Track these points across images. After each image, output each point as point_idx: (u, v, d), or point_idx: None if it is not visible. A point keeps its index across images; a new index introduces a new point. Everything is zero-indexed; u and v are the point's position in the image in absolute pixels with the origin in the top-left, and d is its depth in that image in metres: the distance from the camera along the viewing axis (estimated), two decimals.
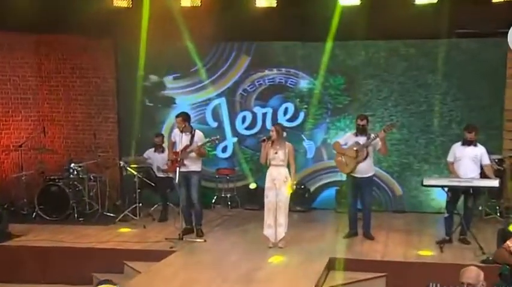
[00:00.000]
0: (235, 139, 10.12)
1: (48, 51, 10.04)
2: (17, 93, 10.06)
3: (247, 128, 10.16)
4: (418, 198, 9.63)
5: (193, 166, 7.79)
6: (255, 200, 9.68)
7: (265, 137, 7.34)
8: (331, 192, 9.84)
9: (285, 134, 7.40)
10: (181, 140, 7.72)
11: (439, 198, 9.33)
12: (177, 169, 7.60)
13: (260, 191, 9.33)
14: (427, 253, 7.12)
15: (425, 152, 9.59)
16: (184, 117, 7.83)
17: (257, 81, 10.08)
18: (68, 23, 8.87)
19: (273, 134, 7.23)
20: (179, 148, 7.70)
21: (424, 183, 7.28)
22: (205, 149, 8.01)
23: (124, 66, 10.14)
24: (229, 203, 9.89)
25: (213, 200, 9.98)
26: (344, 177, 8.41)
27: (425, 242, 7.66)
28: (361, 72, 9.64)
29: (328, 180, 9.92)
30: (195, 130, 7.90)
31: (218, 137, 8.15)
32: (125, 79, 10.20)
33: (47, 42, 9.83)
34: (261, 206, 8.63)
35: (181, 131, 7.74)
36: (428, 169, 9.50)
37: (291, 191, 7.29)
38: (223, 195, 10.01)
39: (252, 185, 9.90)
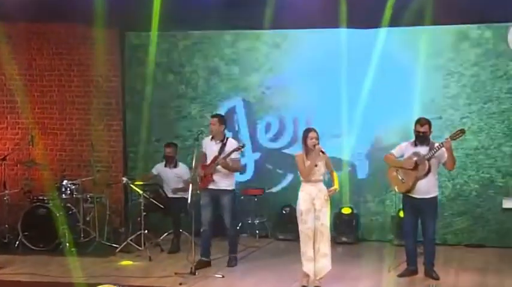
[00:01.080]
0: (256, 155, 10.01)
1: (40, 44, 10.12)
2: (2, 96, 10.27)
3: (272, 139, 10.09)
4: (505, 224, 9.24)
5: (224, 182, 7.83)
6: (290, 227, 9.36)
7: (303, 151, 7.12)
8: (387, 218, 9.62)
9: None
10: (210, 149, 7.82)
11: None
12: (190, 186, 7.66)
13: (296, 217, 9.29)
14: None
15: None
16: (221, 119, 7.89)
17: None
18: (64, 10, 8.98)
19: (313, 142, 7.00)
20: (210, 159, 7.79)
21: (504, 206, 6.94)
22: (238, 161, 8.01)
23: (131, 62, 10.20)
24: (257, 231, 9.83)
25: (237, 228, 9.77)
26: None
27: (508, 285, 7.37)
28: (421, 64, 9.34)
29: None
30: (227, 138, 7.93)
31: (243, 144, 8.11)
32: (132, 78, 10.25)
33: (38, 34, 9.91)
34: (297, 236, 8.46)
35: (211, 139, 7.81)
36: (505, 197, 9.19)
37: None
38: (249, 222, 9.95)
39: (286, 210, 9.70)
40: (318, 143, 6.99)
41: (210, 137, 7.95)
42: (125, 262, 8.30)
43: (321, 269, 7.01)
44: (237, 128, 10.07)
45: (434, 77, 9.39)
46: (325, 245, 7.02)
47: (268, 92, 9.97)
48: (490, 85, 9.30)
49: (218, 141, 7.84)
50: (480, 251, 9.10)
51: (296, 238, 8.84)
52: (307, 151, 7.02)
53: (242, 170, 8.53)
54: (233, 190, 7.97)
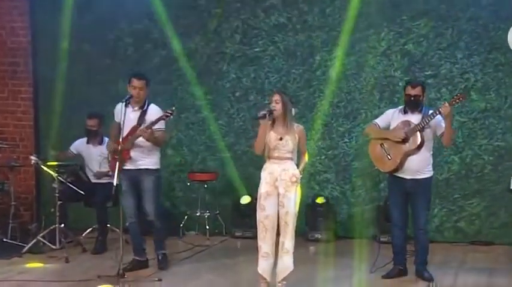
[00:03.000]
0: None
1: None
2: None
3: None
4: None
5: (145, 160, 7.76)
6: (247, 222, 9.68)
7: (266, 111, 6.90)
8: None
9: (295, 110, 7.12)
10: (127, 119, 7.57)
11: None
12: (117, 164, 7.46)
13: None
14: None
15: None
16: (148, 82, 7.79)
17: None
18: None
19: (277, 107, 6.90)
20: (126, 130, 7.61)
21: None
22: (164, 133, 7.88)
23: (44, 12, 10.15)
24: (207, 227, 9.87)
25: (182, 223, 9.91)
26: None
27: None
28: (404, 9, 9.56)
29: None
30: (149, 103, 7.81)
31: (172, 109, 7.83)
32: (45, 33, 10.20)
33: None
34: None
35: (127, 105, 7.58)
36: None
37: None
38: (198, 214, 9.99)
39: (245, 199, 9.89)
40: (282, 110, 6.86)
41: (125, 102, 7.61)
42: (33, 264, 8.24)
43: (282, 269, 6.98)
44: None
45: (423, 24, 9.51)
46: (288, 240, 6.94)
47: None
48: (493, 29, 9.37)
49: (137, 108, 7.73)
50: (487, 249, 9.24)
51: (255, 235, 8.98)
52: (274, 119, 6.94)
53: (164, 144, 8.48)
54: (157, 169, 7.91)
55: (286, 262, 6.95)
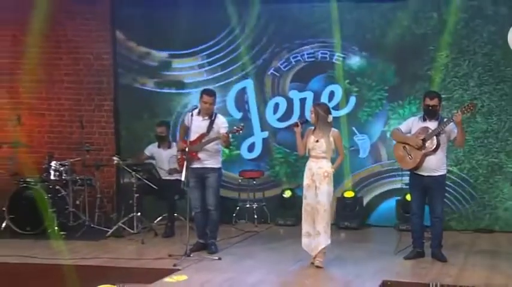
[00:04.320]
0: (264, 134, 10.03)
1: (26, 19, 9.94)
2: None
3: (280, 119, 10.05)
4: None
5: (210, 161, 7.73)
6: (290, 212, 9.62)
7: (297, 121, 7.32)
8: (391, 203, 9.66)
9: (330, 118, 7.21)
10: (197, 125, 7.65)
11: None
12: (185, 164, 7.51)
13: (297, 201, 9.40)
14: None
15: None
16: (213, 94, 7.80)
17: (293, 57, 10.02)
18: None
19: (312, 117, 7.17)
20: (194, 135, 7.66)
21: None
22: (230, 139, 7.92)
23: (124, 39, 10.16)
24: (255, 216, 9.78)
25: (234, 213, 9.83)
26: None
27: None
28: (431, 41, 9.40)
29: (388, 188, 9.77)
30: (216, 114, 7.82)
31: (242, 125, 7.98)
32: (124, 56, 10.23)
33: (25, 8, 9.74)
34: (298, 221, 8.61)
35: (198, 114, 7.69)
36: None
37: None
38: (248, 206, 9.93)
39: (287, 194, 9.81)
40: (316, 120, 7.09)
41: (197, 111, 7.74)
42: (115, 245, 8.20)
43: (314, 247, 7.12)
44: (247, 108, 10.13)
45: (445, 55, 9.37)
46: (319, 223, 7.08)
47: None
48: (503, 65, 9.24)
49: (206, 118, 7.72)
50: (489, 236, 9.08)
51: (296, 223, 9.01)
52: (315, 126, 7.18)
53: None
54: (220, 168, 7.89)
55: (318, 241, 7.08)
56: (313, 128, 7.18)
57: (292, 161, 9.92)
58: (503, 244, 8.55)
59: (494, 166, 9.30)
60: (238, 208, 9.87)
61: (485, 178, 9.33)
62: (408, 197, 8.52)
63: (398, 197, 9.41)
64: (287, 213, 9.68)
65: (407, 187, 8.07)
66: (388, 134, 9.56)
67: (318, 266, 7.05)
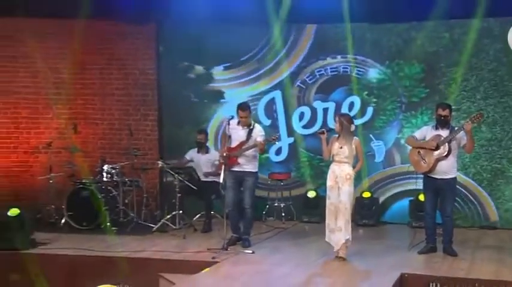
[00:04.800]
0: (290, 140, 10.00)
1: (82, 40, 10.02)
2: (47, 88, 10.19)
3: (305, 127, 10.02)
4: None
5: (248, 165, 7.72)
6: (314, 211, 9.56)
7: (323, 129, 7.39)
8: (404, 203, 9.57)
9: (353, 127, 7.25)
10: (237, 134, 7.71)
11: None
12: (223, 168, 7.56)
13: (320, 200, 9.30)
14: None
15: None
16: (247, 108, 7.79)
17: (318, 71, 9.96)
18: (105, 7, 9.03)
19: (336, 127, 7.23)
20: (235, 143, 7.70)
21: None
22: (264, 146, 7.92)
23: (166, 55, 10.19)
24: (283, 214, 9.70)
25: (264, 211, 9.78)
26: (418, 185, 8.28)
27: None
28: (443, 59, 9.36)
29: (401, 189, 9.69)
30: (254, 124, 7.82)
31: (277, 135, 8.12)
32: (167, 71, 10.25)
33: (81, 29, 9.83)
34: (321, 219, 8.55)
35: (238, 123, 7.73)
36: None
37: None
38: (276, 205, 9.86)
39: (311, 194, 9.74)
40: (340, 129, 7.12)
41: (236, 121, 7.77)
42: (160, 240, 8.21)
43: (336, 241, 7.14)
44: (275, 116, 10.06)
45: (455, 71, 9.29)
46: (340, 220, 7.08)
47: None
48: (507, 80, 9.16)
49: (246, 128, 7.72)
50: (494, 232, 8.98)
51: (319, 220, 8.98)
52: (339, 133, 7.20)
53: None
54: (256, 172, 7.86)
55: (339, 236, 7.09)
56: (337, 135, 7.18)
57: (315, 164, 9.88)
58: (507, 240, 8.45)
59: (497, 171, 9.24)
60: (267, 206, 9.81)
61: (489, 182, 9.27)
62: (421, 197, 8.52)
63: (411, 198, 9.33)
64: (311, 211, 9.59)
65: (419, 188, 8.05)
66: (402, 141, 9.49)
67: (341, 257, 7.08)
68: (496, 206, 9.25)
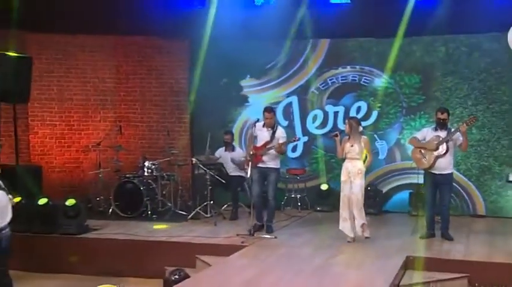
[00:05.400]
0: (305, 138, 9.97)
1: (125, 53, 10.19)
2: (96, 95, 10.30)
3: (318, 127, 9.99)
4: (498, 204, 9.16)
5: (272, 162, 7.69)
6: (326, 201, 9.55)
7: (336, 132, 7.40)
8: (404, 195, 9.50)
9: (361, 128, 7.28)
10: (262, 135, 7.69)
11: None
12: (250, 164, 7.53)
13: (332, 192, 9.34)
14: None
15: (508, 154, 9.12)
16: (275, 112, 7.84)
17: (330, 79, 9.91)
18: (145, 25, 9.07)
19: (346, 128, 7.24)
20: (260, 143, 7.66)
21: (511, 179, 6.78)
22: (285, 148, 7.91)
23: (197, 66, 10.05)
24: (299, 204, 9.64)
25: (283, 202, 9.73)
26: (418, 180, 8.31)
27: (510, 244, 7.20)
28: (439, 70, 9.31)
29: (402, 182, 9.61)
30: (277, 126, 7.80)
31: (297, 137, 8.18)
32: (197, 80, 10.12)
33: (125, 45, 9.95)
34: (333, 208, 8.60)
35: (263, 126, 7.71)
36: (510, 172, 8.90)
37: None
38: (293, 196, 9.80)
39: (324, 186, 9.70)
40: (349, 130, 7.15)
41: (262, 123, 7.73)
42: (194, 226, 8.24)
43: (356, 226, 7.14)
44: (292, 118, 10.04)
45: (449, 80, 9.25)
46: (354, 209, 7.09)
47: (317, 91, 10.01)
48: (494, 89, 9.11)
49: (270, 129, 7.67)
50: (482, 220, 8.96)
51: (331, 210, 8.98)
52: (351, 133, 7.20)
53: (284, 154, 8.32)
54: (278, 168, 7.82)
55: (356, 223, 7.13)
56: (347, 137, 7.19)
57: (326, 160, 9.80)
58: (494, 227, 8.42)
59: (484, 167, 9.20)
60: (285, 197, 9.77)
61: (477, 177, 9.23)
62: (420, 190, 8.54)
63: (411, 190, 9.28)
64: (324, 202, 9.56)
65: (417, 182, 8.23)
66: (402, 141, 9.49)
67: (366, 237, 7.12)
68: (483, 198, 9.22)
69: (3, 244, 5.00)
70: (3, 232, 5.03)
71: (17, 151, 8.16)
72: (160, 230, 8.00)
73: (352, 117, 7.81)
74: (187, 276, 5.98)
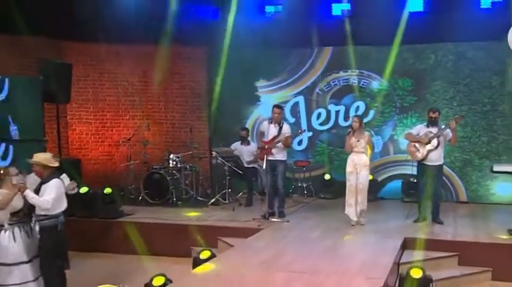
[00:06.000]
0: (310, 133, 9.97)
1: (152, 60, 10.10)
2: (126, 96, 10.35)
3: (321, 124, 9.98)
4: (478, 192, 9.26)
5: (279, 155, 7.68)
6: (329, 189, 9.59)
7: (350, 130, 7.27)
8: (397, 184, 9.52)
9: (363, 125, 7.31)
10: (270, 131, 7.68)
11: (499, 193, 9.04)
12: (265, 157, 7.54)
13: (333, 181, 9.38)
14: (501, 236, 6.70)
15: (487, 149, 9.17)
16: (283, 109, 7.80)
17: (332, 82, 9.92)
18: (169, 35, 9.08)
19: (355, 125, 7.17)
20: (267, 138, 7.65)
21: (495, 169, 6.84)
22: (291, 140, 7.91)
23: (214, 70, 10.07)
24: (305, 192, 9.63)
25: (291, 190, 9.75)
26: (409, 171, 8.56)
27: (493, 227, 7.26)
28: (429, 75, 9.32)
29: (394, 173, 9.65)
30: (283, 123, 7.78)
31: (303, 129, 8.15)
32: (214, 82, 10.11)
33: (151, 52, 9.89)
34: (335, 195, 8.64)
35: (270, 123, 7.69)
36: (489, 165, 8.99)
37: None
38: (299, 185, 9.78)
39: (327, 176, 9.73)
40: (358, 126, 7.12)
41: (269, 121, 7.69)
42: (216, 212, 8.27)
43: (358, 212, 7.18)
44: (298, 116, 10.04)
45: (438, 84, 9.26)
46: (361, 196, 7.12)
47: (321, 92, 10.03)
48: (477, 92, 9.14)
49: (277, 125, 7.63)
50: (465, 205, 9.02)
51: (333, 197, 9.00)
52: (354, 130, 7.16)
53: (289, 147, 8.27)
54: (285, 160, 7.79)
55: (360, 208, 7.17)
56: (351, 132, 7.16)
57: (328, 152, 9.86)
58: (476, 211, 8.48)
59: (466, 161, 9.25)
60: (293, 186, 9.77)
61: (460, 169, 9.27)
62: (411, 179, 8.65)
63: (403, 180, 9.31)
64: (327, 190, 9.59)
65: (408, 173, 8.37)
66: (395, 137, 9.53)
67: (362, 224, 7.15)
68: (464, 187, 9.28)
69: (59, 228, 5.10)
70: (60, 218, 5.13)
71: (60, 146, 8.21)
72: (191, 216, 8.03)
73: (359, 116, 7.71)
74: (213, 255, 6.05)
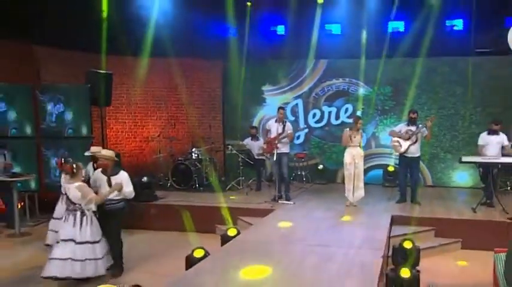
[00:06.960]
0: (306, 130, 10.01)
1: (176, 70, 10.11)
2: (153, 100, 10.32)
3: (316, 122, 10.04)
4: (442, 180, 9.41)
5: (284, 148, 7.70)
6: (322, 177, 9.69)
7: (349, 128, 7.28)
8: (378, 172, 9.63)
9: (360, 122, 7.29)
10: (275, 128, 7.70)
11: (459, 180, 9.23)
12: (275, 150, 7.56)
13: (326, 170, 9.45)
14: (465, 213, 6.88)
15: (450, 145, 9.33)
16: (284, 109, 7.84)
17: (326, 88, 9.99)
18: (191, 49, 9.13)
19: (360, 123, 7.21)
20: (274, 134, 7.66)
21: (463, 160, 6.99)
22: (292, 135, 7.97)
23: (228, 79, 10.15)
24: (304, 179, 9.67)
25: (292, 177, 9.73)
26: (388, 161, 8.85)
27: (460, 206, 7.42)
28: (406, 83, 9.40)
29: (376, 163, 9.74)
30: (286, 121, 7.79)
31: (305, 126, 8.39)
32: (228, 89, 10.24)
33: (176, 64, 9.89)
34: (328, 182, 8.63)
35: (276, 121, 7.69)
36: (451, 158, 9.24)
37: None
38: (298, 173, 9.83)
39: (320, 166, 9.84)
40: (358, 124, 7.15)
41: (274, 120, 7.72)
42: (232, 196, 8.27)
43: (357, 196, 7.19)
44: (297, 115, 10.07)
45: (413, 91, 9.35)
46: (360, 182, 7.11)
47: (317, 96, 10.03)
48: (443, 99, 9.26)
49: (281, 123, 7.63)
50: (433, 189, 9.11)
51: (327, 183, 9.02)
52: (353, 127, 7.19)
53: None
54: (288, 152, 7.81)
55: (360, 193, 7.17)
56: (348, 129, 7.17)
57: (321, 145, 9.92)
58: (442, 193, 8.59)
59: (433, 154, 9.35)
60: (294, 174, 9.77)
61: (428, 161, 9.37)
62: (390, 168, 8.78)
63: (383, 169, 9.45)
64: (321, 177, 9.68)
65: (389, 163, 8.54)
66: (376, 134, 9.60)
67: (355, 205, 7.18)
68: (431, 175, 9.43)
69: (126, 210, 5.19)
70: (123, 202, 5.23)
71: (103, 142, 8.22)
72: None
73: (358, 116, 7.76)
74: (239, 232, 6.09)
